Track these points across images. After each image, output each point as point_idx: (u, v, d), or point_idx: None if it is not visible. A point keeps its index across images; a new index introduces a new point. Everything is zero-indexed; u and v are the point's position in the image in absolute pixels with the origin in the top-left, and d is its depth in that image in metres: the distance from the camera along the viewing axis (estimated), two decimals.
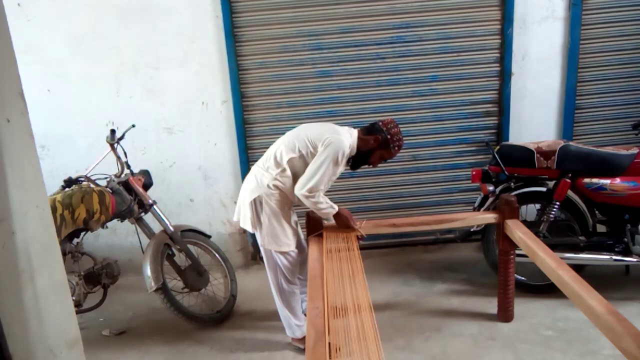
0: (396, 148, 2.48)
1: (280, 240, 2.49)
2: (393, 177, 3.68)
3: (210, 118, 3.51)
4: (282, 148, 2.46)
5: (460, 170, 3.66)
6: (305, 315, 2.70)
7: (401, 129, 2.52)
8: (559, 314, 2.77)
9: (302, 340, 2.54)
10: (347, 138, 2.42)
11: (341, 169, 2.43)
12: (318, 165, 2.34)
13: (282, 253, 2.52)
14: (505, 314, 2.76)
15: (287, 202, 2.50)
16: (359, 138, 2.49)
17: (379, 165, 2.63)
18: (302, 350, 2.58)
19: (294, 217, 2.61)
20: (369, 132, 2.50)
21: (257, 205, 2.47)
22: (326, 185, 2.39)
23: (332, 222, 2.56)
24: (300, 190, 2.35)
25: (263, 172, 2.50)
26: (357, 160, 2.55)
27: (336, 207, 2.46)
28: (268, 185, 2.45)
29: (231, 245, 3.69)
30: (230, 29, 3.34)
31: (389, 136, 2.45)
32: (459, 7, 3.36)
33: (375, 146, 2.47)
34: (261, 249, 2.55)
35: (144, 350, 2.79)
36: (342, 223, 2.51)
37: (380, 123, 2.49)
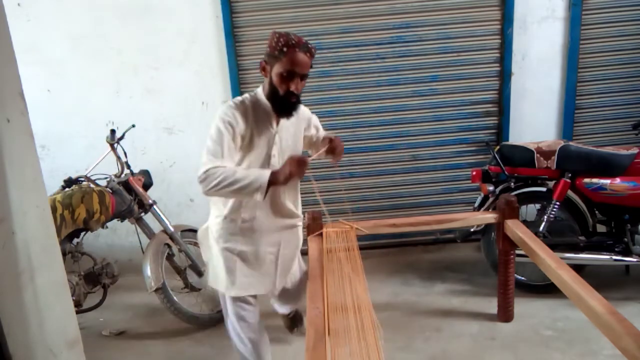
0: (283, 50, 1.79)
1: (219, 276, 2.08)
2: (393, 177, 3.68)
3: (210, 118, 3.49)
4: None
5: (460, 170, 3.66)
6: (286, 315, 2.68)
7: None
8: (559, 314, 2.77)
9: None
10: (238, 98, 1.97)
11: (241, 126, 1.88)
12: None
13: (233, 300, 2.09)
14: (505, 314, 2.76)
15: (240, 225, 2.04)
16: (262, 88, 1.98)
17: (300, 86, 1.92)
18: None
19: (262, 247, 2.08)
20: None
21: (205, 244, 2.20)
22: (220, 154, 1.83)
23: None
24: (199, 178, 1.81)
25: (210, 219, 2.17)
26: (274, 100, 1.91)
27: (266, 173, 1.81)
28: (212, 223, 2.13)
29: None
30: (230, 29, 3.34)
31: (268, 49, 1.86)
32: (459, 7, 3.36)
33: (268, 71, 1.89)
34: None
35: (144, 350, 2.78)
36: (293, 171, 1.81)
37: None
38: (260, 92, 1.96)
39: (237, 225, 2.03)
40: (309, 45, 1.84)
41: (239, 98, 1.95)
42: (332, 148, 2.09)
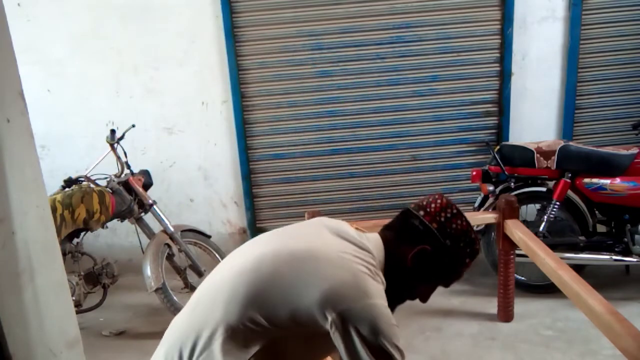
0: (466, 261, 1.29)
1: None
2: (393, 177, 3.67)
3: (210, 118, 3.51)
4: (220, 336, 1.09)
5: (460, 170, 3.66)
6: None
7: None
8: (559, 314, 2.77)
9: None
10: (369, 272, 1.15)
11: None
12: None
13: None
14: (505, 314, 2.76)
15: None
16: (389, 256, 1.22)
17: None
18: None
19: None
20: (403, 239, 1.22)
21: None
22: None
23: None
24: None
25: None
26: (399, 296, 1.36)
27: None
28: None
29: (231, 245, 3.68)
30: (230, 29, 3.34)
31: (447, 241, 1.20)
32: (459, 7, 3.36)
33: (425, 263, 1.22)
34: None
35: (144, 350, 2.77)
36: None
37: (422, 213, 1.21)
38: (381, 263, 1.21)
39: None
40: None
41: (368, 271, 1.16)
42: None
